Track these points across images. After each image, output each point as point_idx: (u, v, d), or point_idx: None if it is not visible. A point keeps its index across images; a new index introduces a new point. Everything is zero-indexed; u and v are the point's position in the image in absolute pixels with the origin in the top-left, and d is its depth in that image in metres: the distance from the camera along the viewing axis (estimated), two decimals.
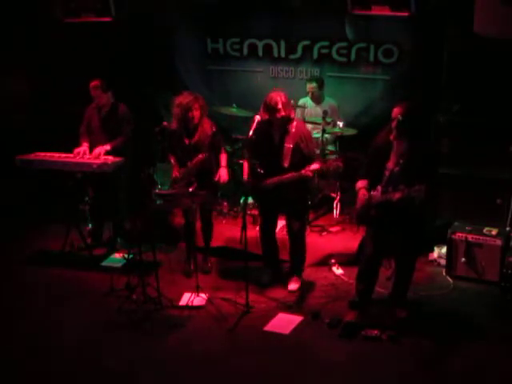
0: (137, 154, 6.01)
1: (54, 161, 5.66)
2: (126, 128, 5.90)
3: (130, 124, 5.93)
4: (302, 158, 4.84)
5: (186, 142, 5.22)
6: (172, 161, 5.29)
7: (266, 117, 4.83)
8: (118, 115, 5.89)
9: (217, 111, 6.84)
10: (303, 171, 4.75)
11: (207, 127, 5.23)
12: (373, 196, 4.35)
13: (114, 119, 5.89)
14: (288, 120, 4.85)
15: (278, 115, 4.78)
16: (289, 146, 4.82)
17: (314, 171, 4.78)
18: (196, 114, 5.14)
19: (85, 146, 5.85)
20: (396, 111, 4.22)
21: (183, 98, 5.13)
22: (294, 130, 4.86)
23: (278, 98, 4.78)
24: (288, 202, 4.95)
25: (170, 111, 5.32)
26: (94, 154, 5.71)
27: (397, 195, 4.16)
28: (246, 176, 5.01)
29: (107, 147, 5.75)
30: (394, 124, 4.22)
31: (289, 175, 4.79)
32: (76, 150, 5.77)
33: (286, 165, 4.82)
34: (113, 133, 5.85)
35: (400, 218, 4.27)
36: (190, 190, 4.96)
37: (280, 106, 4.75)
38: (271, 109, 4.77)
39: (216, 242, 5.94)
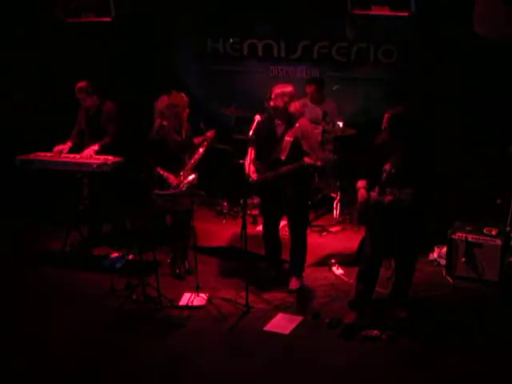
0: (137, 154, 6.00)
1: (54, 161, 5.67)
2: (111, 127, 5.90)
3: (114, 122, 5.92)
4: (300, 153, 4.81)
5: (179, 139, 5.26)
6: (162, 172, 5.18)
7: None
8: (103, 115, 5.91)
9: (217, 111, 6.85)
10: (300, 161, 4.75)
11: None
12: (371, 196, 4.39)
13: (100, 119, 5.91)
14: (294, 116, 4.84)
15: (271, 104, 4.80)
16: (288, 139, 4.83)
17: (308, 163, 4.75)
18: (187, 111, 5.23)
19: (66, 145, 5.89)
20: (386, 119, 4.27)
21: (178, 98, 5.18)
22: (297, 125, 4.87)
23: (278, 88, 4.81)
24: (288, 200, 4.93)
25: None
26: (84, 155, 5.71)
27: (388, 198, 4.24)
28: (253, 175, 4.93)
29: (95, 147, 5.77)
30: (386, 131, 4.28)
31: (287, 167, 4.79)
32: (56, 148, 5.80)
33: (282, 157, 4.82)
34: (100, 133, 5.87)
35: (395, 219, 4.29)
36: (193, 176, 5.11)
37: (272, 95, 4.78)
38: (268, 97, 4.82)
39: (216, 241, 5.94)
